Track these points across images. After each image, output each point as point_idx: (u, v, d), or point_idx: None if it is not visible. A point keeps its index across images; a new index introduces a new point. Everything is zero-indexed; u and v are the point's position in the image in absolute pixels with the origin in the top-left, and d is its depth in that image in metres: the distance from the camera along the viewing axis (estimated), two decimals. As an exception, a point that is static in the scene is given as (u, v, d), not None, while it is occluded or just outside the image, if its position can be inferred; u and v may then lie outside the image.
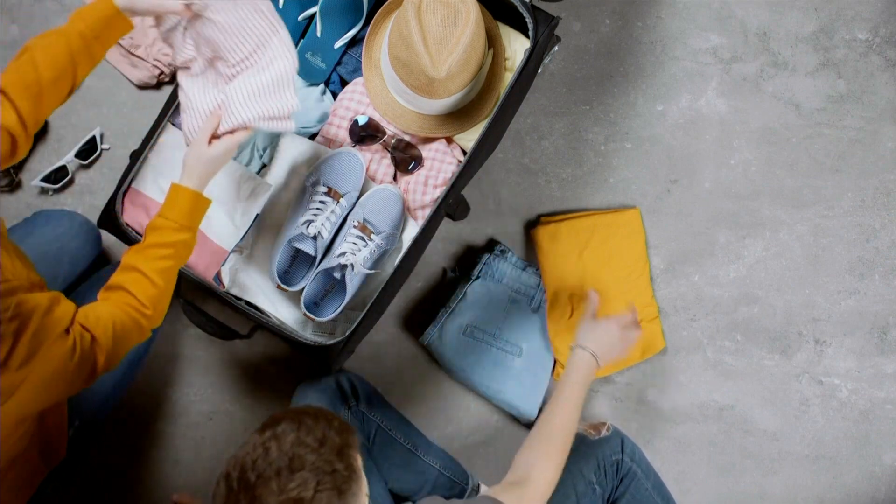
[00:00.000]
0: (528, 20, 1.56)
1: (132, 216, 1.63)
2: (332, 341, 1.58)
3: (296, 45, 1.60)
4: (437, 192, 1.64)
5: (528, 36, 1.59)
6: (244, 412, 1.91)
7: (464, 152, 1.69)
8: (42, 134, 1.91)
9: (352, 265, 1.58)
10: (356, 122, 1.66)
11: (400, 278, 1.65)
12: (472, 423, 1.90)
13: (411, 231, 1.68)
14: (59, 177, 1.89)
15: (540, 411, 1.84)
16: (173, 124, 1.65)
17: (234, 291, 1.65)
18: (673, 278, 1.88)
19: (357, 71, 1.71)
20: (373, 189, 1.65)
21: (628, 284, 1.84)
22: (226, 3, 1.38)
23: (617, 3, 1.90)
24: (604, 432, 1.68)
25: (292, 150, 1.67)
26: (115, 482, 1.90)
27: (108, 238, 1.83)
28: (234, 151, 1.44)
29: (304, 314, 1.60)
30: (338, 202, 1.61)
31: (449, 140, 1.68)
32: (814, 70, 1.89)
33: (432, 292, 1.90)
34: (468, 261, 1.89)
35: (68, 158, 1.88)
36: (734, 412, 1.88)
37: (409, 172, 1.67)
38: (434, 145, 1.67)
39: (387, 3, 1.66)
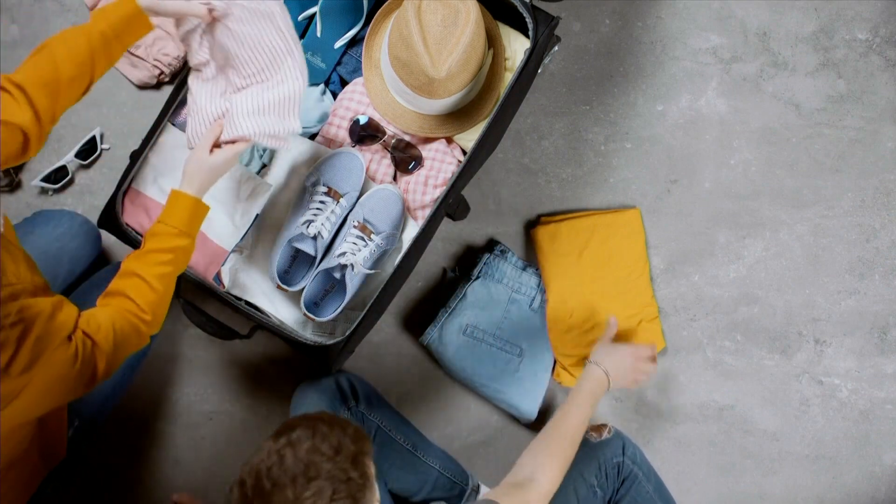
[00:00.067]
0: (528, 20, 1.56)
1: (132, 216, 1.63)
2: (332, 341, 1.58)
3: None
4: (437, 192, 1.64)
5: (528, 36, 1.59)
6: (244, 412, 1.91)
7: (464, 152, 1.69)
8: (42, 134, 1.91)
9: (352, 265, 1.58)
10: (356, 122, 1.66)
11: (400, 278, 1.65)
12: (472, 423, 1.90)
13: (411, 231, 1.68)
14: (59, 177, 1.89)
15: (540, 412, 1.84)
16: (173, 124, 1.65)
17: (234, 291, 1.65)
18: (673, 278, 1.88)
19: (357, 71, 1.71)
20: (373, 189, 1.65)
21: (628, 284, 1.84)
22: (247, 15, 1.39)
23: (617, 3, 1.90)
24: (605, 434, 1.68)
25: (292, 150, 1.67)
26: (115, 482, 1.90)
27: (108, 238, 1.83)
28: (234, 162, 1.45)
29: (304, 314, 1.60)
30: (338, 202, 1.61)
31: (449, 140, 1.68)
32: (814, 70, 1.89)
33: (432, 292, 1.90)
34: (468, 261, 1.89)
35: (68, 158, 1.88)
36: (734, 412, 1.88)
37: (409, 172, 1.67)
38: (434, 145, 1.67)
39: (387, 3, 1.66)
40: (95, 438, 1.88)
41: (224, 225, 1.64)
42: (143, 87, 1.91)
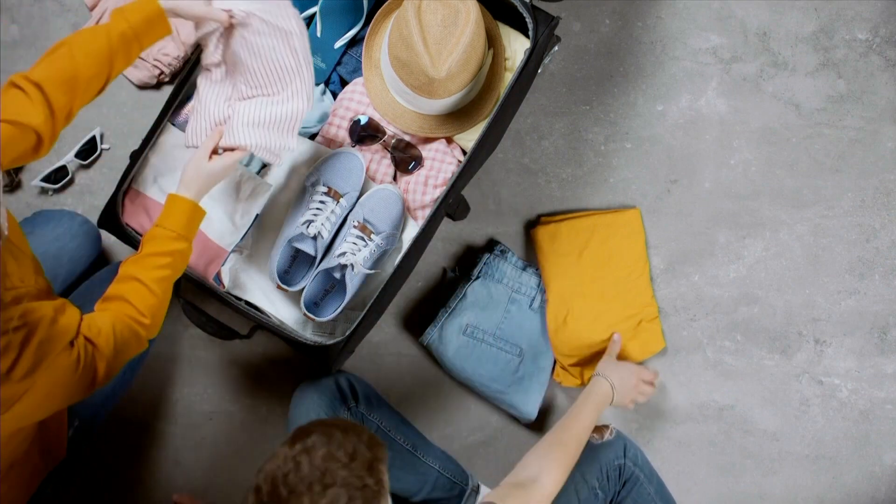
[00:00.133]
0: (528, 20, 1.56)
1: (132, 216, 1.64)
2: (332, 341, 1.58)
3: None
4: (437, 192, 1.64)
5: (528, 36, 1.59)
6: (244, 412, 1.91)
7: (464, 152, 1.69)
8: (42, 134, 1.91)
9: (352, 265, 1.58)
10: (356, 122, 1.66)
11: (400, 278, 1.65)
12: (472, 423, 1.90)
13: (411, 231, 1.68)
14: (59, 177, 1.89)
15: (539, 412, 1.84)
16: (173, 124, 1.65)
17: (235, 291, 1.65)
18: (673, 278, 1.88)
19: (357, 71, 1.71)
20: (373, 189, 1.65)
21: (628, 284, 1.84)
22: (265, 28, 1.41)
23: (617, 3, 1.90)
24: (607, 436, 1.68)
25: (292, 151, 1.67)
26: (115, 482, 1.90)
27: (108, 238, 1.83)
28: (232, 169, 1.47)
29: (304, 314, 1.60)
30: (338, 202, 1.61)
31: (449, 140, 1.68)
32: (814, 70, 1.89)
33: (432, 292, 1.90)
34: (468, 261, 1.89)
35: (68, 158, 1.88)
36: (734, 412, 1.88)
37: (409, 172, 1.67)
38: (434, 145, 1.67)
39: (387, 3, 1.66)
40: (95, 439, 1.88)
41: (224, 225, 1.64)
42: (143, 87, 1.91)
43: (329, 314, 1.60)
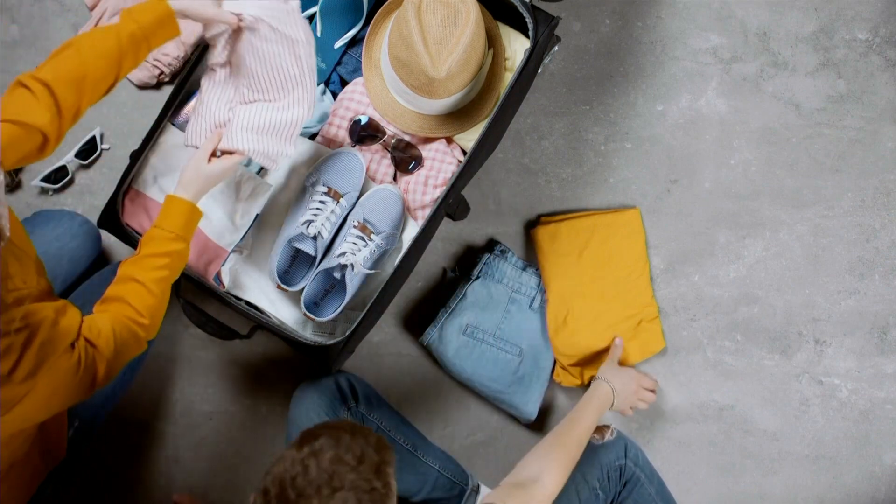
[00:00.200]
0: (528, 20, 1.56)
1: (132, 216, 1.64)
2: (332, 341, 1.58)
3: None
4: (437, 192, 1.64)
5: (528, 36, 1.59)
6: (244, 412, 1.91)
7: (464, 152, 1.69)
8: (42, 134, 1.91)
9: (352, 265, 1.58)
10: (356, 122, 1.66)
11: (400, 278, 1.65)
12: (472, 423, 1.90)
13: (411, 231, 1.68)
14: (59, 177, 1.89)
15: (539, 412, 1.84)
16: (173, 124, 1.65)
17: (235, 291, 1.65)
18: (673, 278, 1.88)
19: (357, 71, 1.71)
20: (373, 189, 1.65)
21: (628, 284, 1.84)
22: (272, 35, 1.42)
23: (617, 3, 1.90)
24: (608, 436, 1.68)
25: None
26: (115, 482, 1.90)
27: (108, 238, 1.83)
28: (231, 172, 1.48)
29: (304, 314, 1.60)
30: (338, 202, 1.61)
31: (449, 140, 1.68)
32: (814, 70, 1.89)
33: (432, 292, 1.90)
34: (468, 261, 1.89)
35: (68, 158, 1.88)
36: (734, 412, 1.88)
37: (409, 172, 1.67)
38: (434, 145, 1.67)
39: (387, 3, 1.66)
40: (95, 439, 1.88)
41: (224, 225, 1.64)
42: (143, 87, 1.91)
43: (329, 314, 1.60)
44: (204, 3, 1.38)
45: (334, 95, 1.73)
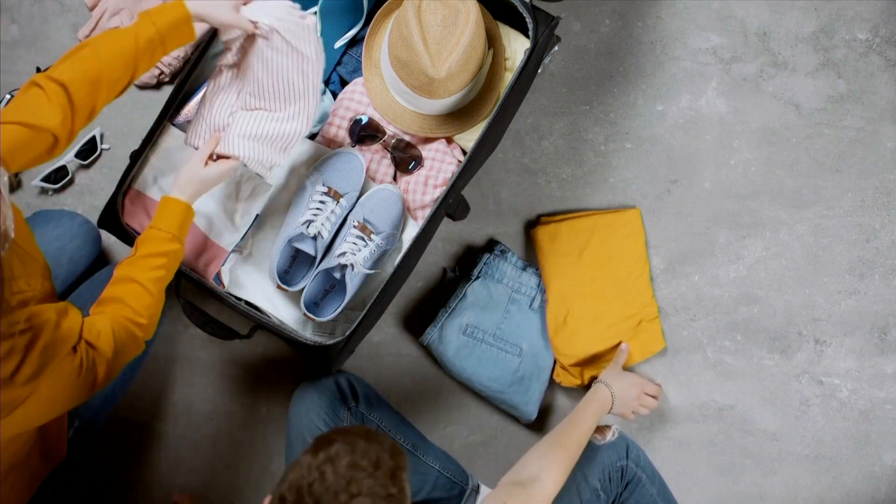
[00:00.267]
0: (528, 20, 1.56)
1: (132, 216, 1.64)
2: (332, 341, 1.58)
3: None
4: (437, 192, 1.64)
5: (528, 36, 1.59)
6: (244, 412, 1.91)
7: (464, 152, 1.69)
8: (42, 134, 1.91)
9: (352, 265, 1.58)
10: (356, 122, 1.66)
11: (400, 278, 1.65)
12: (472, 423, 1.90)
13: (411, 231, 1.68)
14: (59, 177, 1.89)
15: (539, 412, 1.84)
16: (173, 124, 1.66)
17: (234, 291, 1.65)
18: (673, 278, 1.88)
19: (357, 71, 1.71)
20: (373, 189, 1.65)
21: (628, 284, 1.84)
22: (284, 47, 1.44)
23: (617, 3, 1.90)
24: (609, 437, 1.68)
25: (292, 151, 1.67)
26: (115, 482, 1.90)
27: (108, 238, 1.83)
28: (227, 176, 1.51)
29: (304, 314, 1.60)
30: (338, 202, 1.61)
31: (449, 140, 1.68)
32: (814, 70, 1.89)
33: (432, 292, 1.90)
34: (468, 261, 1.89)
35: (68, 158, 1.88)
36: (734, 412, 1.88)
37: (409, 172, 1.67)
38: (434, 145, 1.67)
39: (387, 3, 1.66)
40: (95, 439, 1.88)
41: (224, 225, 1.64)
42: (143, 87, 1.91)
43: (329, 314, 1.60)
44: (222, 7, 1.40)
45: (334, 95, 1.73)
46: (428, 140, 1.67)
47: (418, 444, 1.76)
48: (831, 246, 1.88)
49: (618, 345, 1.82)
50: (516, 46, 1.64)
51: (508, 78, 1.63)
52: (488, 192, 1.89)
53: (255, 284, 1.67)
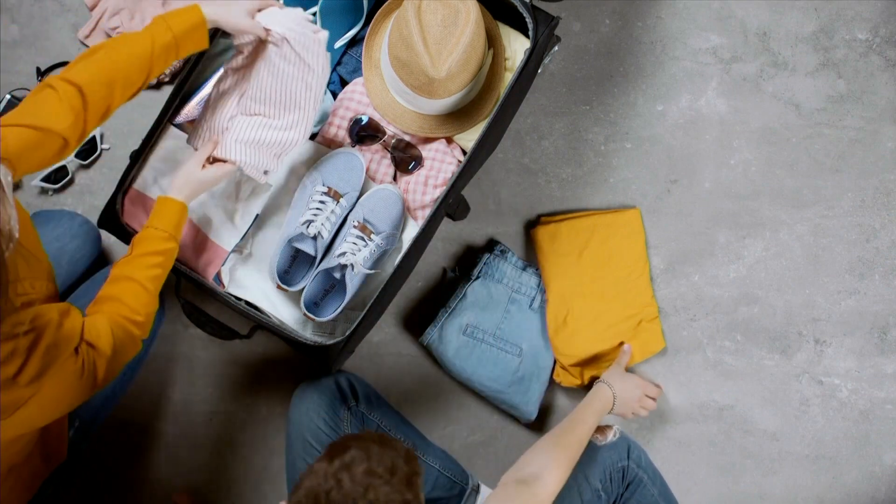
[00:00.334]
0: (528, 20, 1.56)
1: (132, 216, 1.64)
2: (332, 341, 1.58)
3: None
4: (437, 192, 1.64)
5: (528, 36, 1.59)
6: (244, 412, 1.91)
7: (464, 152, 1.69)
8: (42, 134, 1.91)
9: (352, 265, 1.58)
10: (356, 122, 1.66)
11: (400, 278, 1.65)
12: (472, 423, 1.90)
13: (411, 231, 1.68)
14: (59, 177, 1.89)
15: (539, 412, 1.84)
16: (173, 125, 1.66)
17: (234, 291, 1.65)
18: (673, 278, 1.88)
19: (357, 71, 1.71)
20: (373, 189, 1.65)
21: (628, 284, 1.84)
22: (293, 57, 1.46)
23: (617, 3, 1.90)
24: (610, 437, 1.68)
25: (292, 151, 1.67)
26: (115, 483, 1.90)
27: (108, 238, 1.83)
28: (223, 179, 1.53)
29: (304, 314, 1.60)
30: (338, 202, 1.61)
31: (449, 140, 1.68)
32: (814, 70, 1.89)
33: (432, 292, 1.90)
34: (468, 261, 1.89)
35: (68, 158, 1.88)
36: (734, 412, 1.88)
37: (409, 172, 1.67)
38: (434, 145, 1.67)
39: (387, 3, 1.66)
40: (95, 439, 1.88)
41: (224, 225, 1.64)
42: (143, 87, 1.91)
43: (329, 314, 1.60)
44: (237, 13, 1.42)
45: (334, 95, 1.73)
46: (428, 140, 1.67)
47: (418, 444, 1.76)
48: (831, 246, 1.88)
49: (619, 345, 1.82)
50: (516, 46, 1.64)
51: (508, 78, 1.63)
52: (488, 192, 1.89)
53: (255, 284, 1.67)
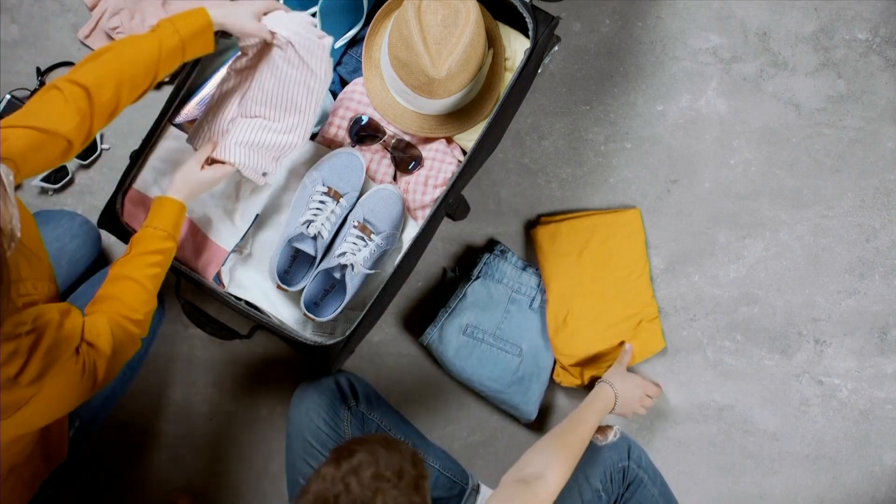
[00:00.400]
0: (528, 20, 1.56)
1: (132, 216, 1.64)
2: (332, 341, 1.58)
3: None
4: (437, 192, 1.64)
5: (528, 36, 1.59)
6: (244, 412, 1.91)
7: (464, 152, 1.69)
8: (42, 134, 1.91)
9: (352, 265, 1.58)
10: (356, 121, 1.66)
11: (400, 278, 1.65)
12: (472, 423, 1.90)
13: (411, 231, 1.68)
14: (59, 177, 1.89)
15: (539, 412, 1.84)
16: (173, 125, 1.66)
17: (234, 291, 1.65)
18: (673, 278, 1.88)
19: (357, 71, 1.71)
20: (373, 189, 1.65)
21: (628, 284, 1.84)
22: (297, 62, 1.47)
23: (617, 3, 1.90)
24: (611, 437, 1.68)
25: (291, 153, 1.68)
26: (115, 483, 1.90)
27: (108, 238, 1.83)
28: (222, 180, 1.54)
29: (304, 314, 1.60)
30: (338, 202, 1.61)
31: (449, 140, 1.68)
32: (814, 70, 1.89)
33: (432, 292, 1.90)
34: (468, 261, 1.89)
35: (68, 158, 1.88)
36: (734, 412, 1.88)
37: (409, 172, 1.67)
38: (434, 145, 1.67)
39: (387, 3, 1.66)
40: (95, 439, 1.88)
41: (224, 225, 1.64)
42: (143, 87, 1.91)
43: (329, 314, 1.60)
44: (244, 16, 1.43)
45: (334, 95, 1.73)
46: (428, 140, 1.67)
47: (418, 444, 1.76)
48: (831, 246, 1.88)
49: (619, 345, 1.82)
50: (516, 46, 1.64)
51: (508, 78, 1.63)
52: (488, 192, 1.89)
53: (255, 284, 1.67)
